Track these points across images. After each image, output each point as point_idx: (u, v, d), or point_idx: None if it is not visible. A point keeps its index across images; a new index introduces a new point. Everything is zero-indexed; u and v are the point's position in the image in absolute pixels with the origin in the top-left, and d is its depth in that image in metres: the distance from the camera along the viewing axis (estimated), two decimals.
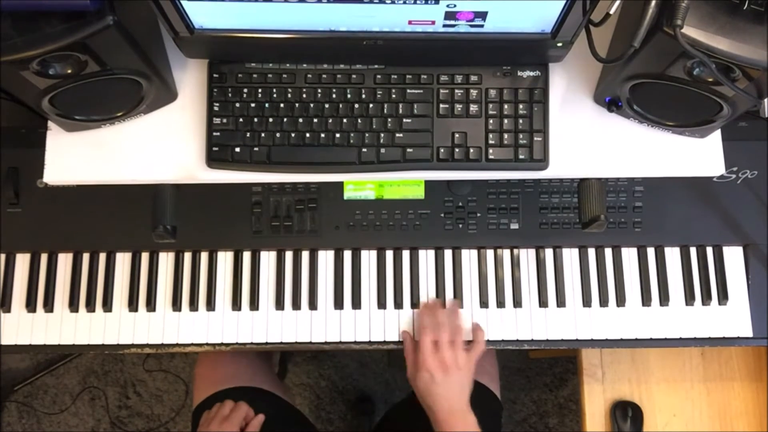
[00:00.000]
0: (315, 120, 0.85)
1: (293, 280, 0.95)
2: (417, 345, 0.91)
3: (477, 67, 0.86)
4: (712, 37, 0.65)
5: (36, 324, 0.94)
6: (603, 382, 1.10)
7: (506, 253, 0.96)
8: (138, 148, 0.87)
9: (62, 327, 0.94)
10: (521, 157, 0.86)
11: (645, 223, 0.95)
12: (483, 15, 0.72)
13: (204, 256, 0.96)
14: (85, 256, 0.95)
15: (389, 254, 0.96)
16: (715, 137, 0.88)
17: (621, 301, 0.95)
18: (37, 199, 0.94)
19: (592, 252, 0.96)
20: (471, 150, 0.86)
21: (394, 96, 0.85)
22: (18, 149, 0.94)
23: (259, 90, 0.85)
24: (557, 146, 0.87)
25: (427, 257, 0.96)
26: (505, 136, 0.86)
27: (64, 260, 0.95)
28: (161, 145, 0.87)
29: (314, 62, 0.85)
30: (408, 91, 0.86)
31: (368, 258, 0.96)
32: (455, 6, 0.70)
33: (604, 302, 0.95)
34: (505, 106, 0.86)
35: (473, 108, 0.86)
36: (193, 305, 0.94)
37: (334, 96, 0.85)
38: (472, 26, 0.74)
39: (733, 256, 0.96)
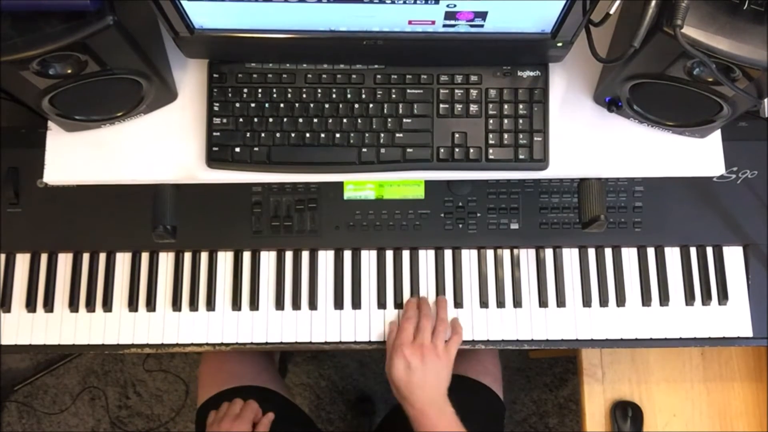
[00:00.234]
0: (315, 120, 0.85)
1: (293, 280, 0.95)
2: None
3: (477, 67, 0.86)
4: (712, 37, 0.65)
5: (36, 324, 0.94)
6: (603, 382, 1.10)
7: (506, 253, 0.96)
8: (138, 148, 0.87)
9: (62, 327, 0.94)
10: (521, 157, 0.86)
11: (645, 223, 0.95)
12: (483, 15, 0.72)
13: (204, 256, 0.96)
14: (85, 256, 0.95)
15: (389, 254, 0.96)
16: (715, 137, 0.88)
17: (621, 301, 0.95)
18: (37, 199, 0.94)
19: (592, 252, 0.96)
20: (471, 150, 0.86)
21: (394, 96, 0.85)
22: (18, 149, 0.94)
23: (259, 90, 0.85)
24: (557, 146, 0.87)
25: (427, 257, 0.96)
26: (505, 136, 0.86)
27: (64, 260, 0.95)
28: (161, 145, 0.87)
29: (314, 62, 0.85)
30: (408, 91, 0.86)
31: (368, 258, 0.96)
32: (455, 6, 0.70)
33: (604, 302, 0.95)
34: (505, 106, 0.86)
35: (473, 108, 0.86)
36: (193, 305, 0.94)
37: (334, 96, 0.85)
38: (472, 26, 0.74)
39: (733, 256, 0.96)
